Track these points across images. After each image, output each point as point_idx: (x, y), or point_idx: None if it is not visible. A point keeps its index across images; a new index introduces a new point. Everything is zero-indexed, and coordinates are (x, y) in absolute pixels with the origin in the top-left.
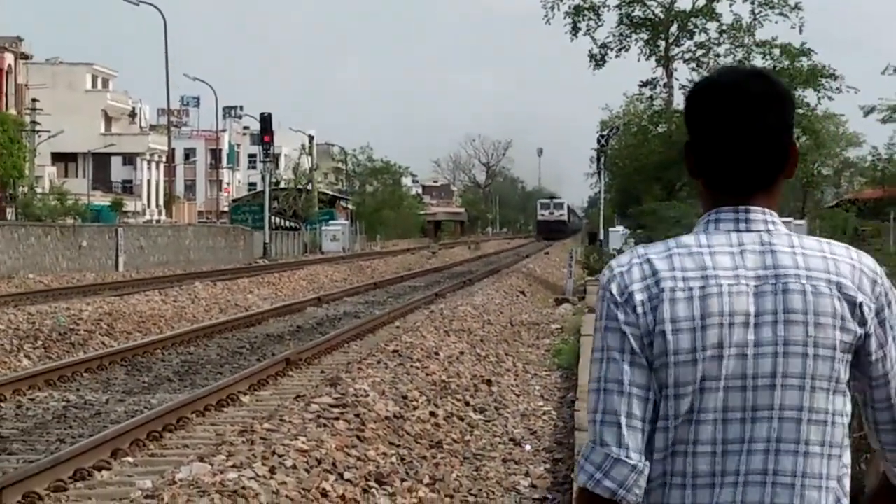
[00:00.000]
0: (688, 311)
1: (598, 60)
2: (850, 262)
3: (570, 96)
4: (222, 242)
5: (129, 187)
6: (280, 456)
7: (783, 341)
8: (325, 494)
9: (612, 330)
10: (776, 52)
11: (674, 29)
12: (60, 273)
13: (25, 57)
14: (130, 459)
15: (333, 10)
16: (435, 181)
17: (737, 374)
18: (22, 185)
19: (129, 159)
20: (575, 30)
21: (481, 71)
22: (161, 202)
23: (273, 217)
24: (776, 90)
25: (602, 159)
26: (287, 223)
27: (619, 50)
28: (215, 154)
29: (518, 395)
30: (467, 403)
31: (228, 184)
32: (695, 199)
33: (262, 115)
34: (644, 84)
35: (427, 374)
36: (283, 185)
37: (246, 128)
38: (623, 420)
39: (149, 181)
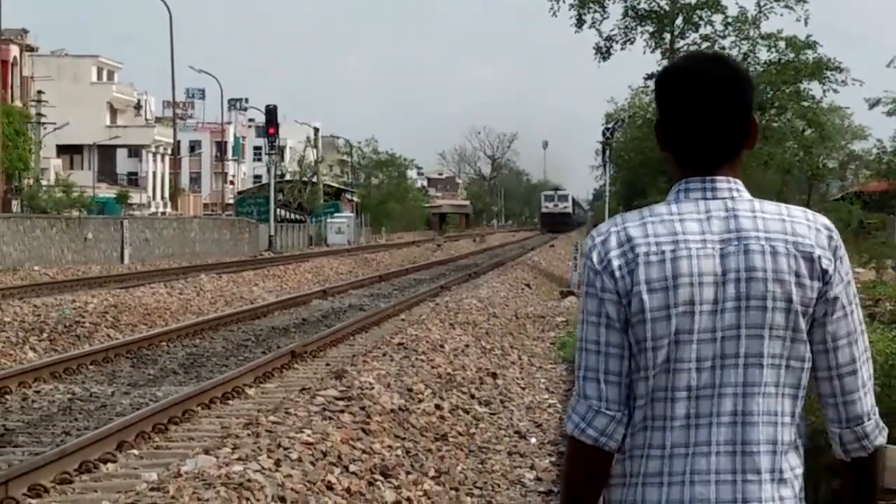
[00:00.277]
0: (660, 272)
1: (604, 53)
2: (806, 223)
3: (576, 89)
4: (227, 235)
5: (134, 180)
6: (285, 448)
7: (745, 296)
8: (330, 487)
9: (591, 295)
10: (781, 44)
11: (679, 21)
12: (66, 265)
13: (31, 49)
14: (136, 452)
15: (338, 2)
16: (440, 174)
17: (708, 328)
18: (27, 178)
19: (135, 151)
20: (580, 22)
21: (487, 63)
22: (166, 194)
23: (278, 209)
24: (735, 72)
25: (607, 152)
26: (292, 216)
27: (625, 42)
28: (220, 146)
29: (523, 388)
30: (472, 396)
31: (233, 176)
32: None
33: (267, 107)
34: (649, 76)
35: (432, 367)
36: (288, 177)
37: (251, 120)
38: (601, 376)
39: (154, 173)
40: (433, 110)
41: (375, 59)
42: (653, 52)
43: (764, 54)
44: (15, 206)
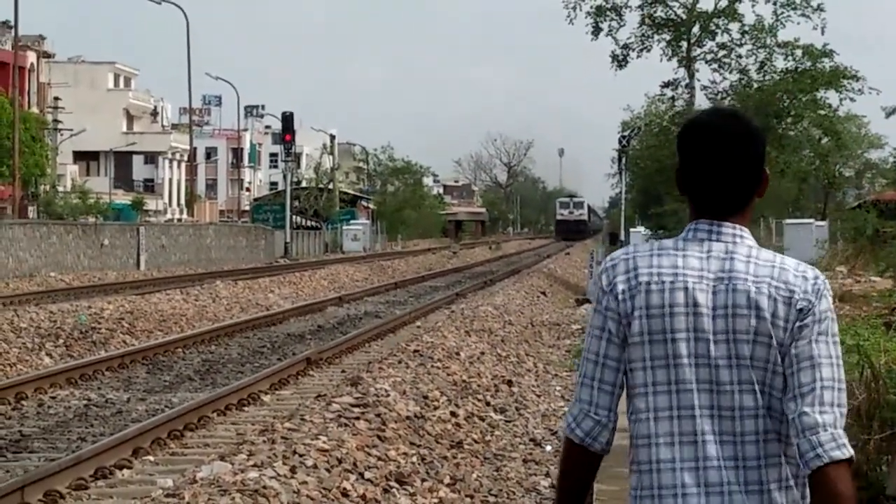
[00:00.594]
0: (659, 300)
1: (620, 61)
2: (794, 271)
3: (592, 96)
4: (243, 242)
5: (150, 186)
6: (301, 455)
7: (732, 330)
8: (345, 494)
9: (598, 312)
10: (798, 52)
11: (696, 30)
12: (82, 271)
13: (48, 55)
14: (151, 458)
15: (354, 9)
16: (456, 181)
17: (703, 354)
18: (44, 184)
19: (151, 158)
20: (597, 30)
21: (503, 70)
22: (182, 201)
23: (294, 216)
24: (748, 129)
25: (623, 160)
26: (308, 223)
27: (641, 50)
28: (237, 153)
29: (539, 396)
30: (488, 403)
31: (250, 183)
32: None
33: (283, 114)
34: (666, 85)
35: (448, 374)
36: (304, 184)
37: (267, 127)
38: (596, 384)
39: (170, 180)
40: (449, 118)
41: (392, 65)
42: (669, 60)
43: (781, 62)
44: (31, 212)
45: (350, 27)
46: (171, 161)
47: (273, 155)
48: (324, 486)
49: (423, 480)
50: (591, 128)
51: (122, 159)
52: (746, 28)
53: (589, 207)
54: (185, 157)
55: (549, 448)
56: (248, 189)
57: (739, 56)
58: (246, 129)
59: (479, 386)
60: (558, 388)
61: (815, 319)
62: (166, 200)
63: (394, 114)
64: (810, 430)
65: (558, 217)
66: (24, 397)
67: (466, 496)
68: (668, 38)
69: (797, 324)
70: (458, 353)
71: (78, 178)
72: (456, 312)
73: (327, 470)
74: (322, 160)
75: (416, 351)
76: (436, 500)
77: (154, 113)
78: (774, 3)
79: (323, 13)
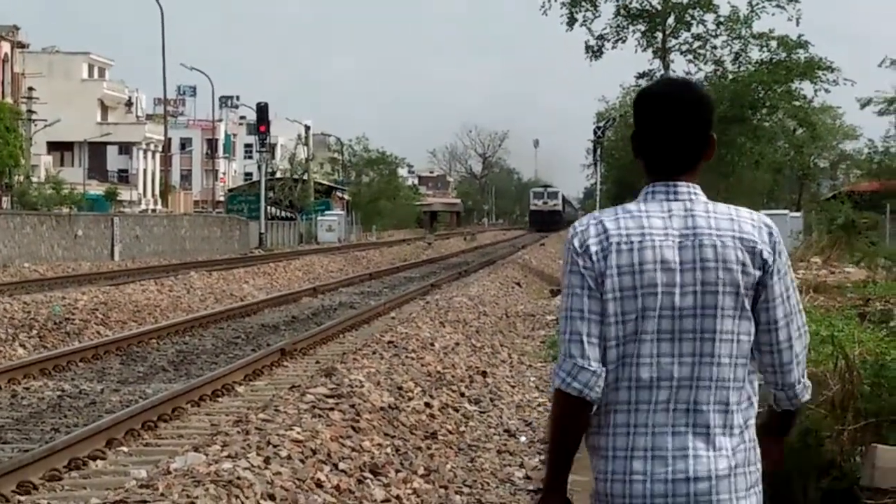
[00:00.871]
0: (629, 259)
1: (595, 52)
2: (751, 221)
3: (567, 87)
4: (218, 232)
5: (124, 177)
6: (275, 446)
7: (700, 282)
8: (319, 485)
9: (574, 272)
10: (773, 43)
11: (671, 20)
12: (56, 262)
13: (22, 46)
14: (125, 449)
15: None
16: (431, 172)
17: (667, 306)
18: (18, 174)
19: (125, 149)
20: (571, 21)
21: (478, 62)
22: (157, 192)
23: (269, 207)
24: (699, 96)
25: (598, 151)
26: (283, 213)
27: (616, 41)
28: (211, 144)
29: (513, 387)
30: (462, 394)
31: (224, 174)
32: None
33: (258, 104)
34: (641, 75)
35: (422, 365)
36: (278, 175)
37: (242, 118)
38: (584, 338)
39: (145, 171)
40: (424, 109)
41: (366, 57)
42: (644, 50)
43: (756, 53)
44: (5, 202)
45: (325, 18)
46: (145, 152)
47: (248, 145)
48: (298, 476)
49: (398, 471)
50: (566, 119)
51: (97, 150)
52: (721, 19)
53: (563, 198)
54: (160, 148)
55: (523, 439)
56: (222, 180)
57: (714, 47)
58: (221, 120)
59: (453, 377)
60: (533, 378)
61: (781, 274)
62: (141, 191)
63: (368, 105)
64: (789, 387)
65: (532, 207)
66: None
67: (441, 487)
68: (643, 28)
69: (767, 280)
70: (432, 344)
71: (52, 168)
72: (430, 303)
73: (301, 461)
74: (297, 151)
75: (390, 342)
76: (410, 491)
77: (128, 103)
78: None
79: (298, 3)
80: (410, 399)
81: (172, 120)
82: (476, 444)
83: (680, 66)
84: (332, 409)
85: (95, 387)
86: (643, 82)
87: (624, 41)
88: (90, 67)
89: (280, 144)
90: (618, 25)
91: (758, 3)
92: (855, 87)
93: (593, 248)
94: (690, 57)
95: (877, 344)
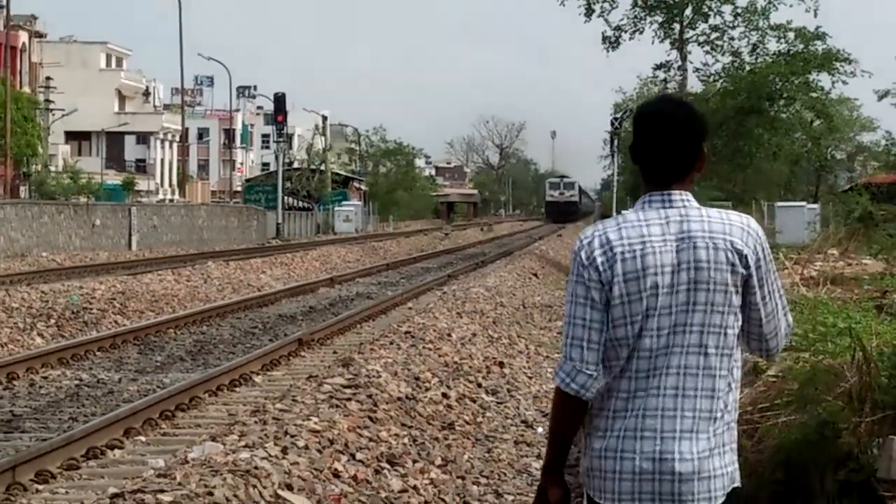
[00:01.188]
0: (633, 266)
1: (612, 43)
2: (741, 226)
3: (585, 78)
4: (235, 222)
5: (142, 166)
6: (292, 436)
7: (694, 280)
8: (337, 475)
9: (580, 283)
10: (791, 35)
11: (688, 11)
12: (73, 252)
13: (40, 35)
14: (143, 438)
15: None
16: (448, 162)
17: (666, 305)
18: (35, 164)
19: (143, 138)
20: (589, 12)
21: (496, 52)
22: (174, 182)
23: (286, 197)
24: (690, 115)
25: (615, 142)
26: (300, 203)
27: (633, 32)
28: (229, 134)
29: (530, 378)
30: (479, 385)
31: (241, 164)
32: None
33: (275, 95)
34: (658, 67)
35: (439, 356)
36: (296, 165)
37: (259, 108)
38: (585, 344)
39: (162, 160)
40: (442, 99)
41: (384, 47)
42: (662, 42)
43: (773, 45)
44: (23, 192)
45: (343, 8)
46: (162, 141)
47: (265, 136)
48: (315, 466)
49: (415, 461)
50: (583, 110)
51: (114, 139)
52: (739, 10)
53: (580, 188)
54: (177, 138)
55: (540, 430)
56: (240, 170)
57: (732, 38)
58: (238, 110)
59: (470, 367)
60: (550, 370)
61: (764, 269)
62: (158, 181)
63: (386, 95)
64: (769, 353)
65: (548, 198)
66: (15, 377)
67: (458, 477)
68: (660, 19)
69: (752, 276)
70: (449, 335)
71: (70, 158)
72: (448, 294)
73: (319, 451)
74: (314, 141)
75: (407, 332)
76: (427, 481)
77: (146, 93)
78: None
79: None
80: (427, 389)
81: (190, 110)
82: (493, 434)
83: (697, 57)
84: (349, 399)
85: (113, 376)
86: (661, 73)
87: (641, 32)
88: (108, 57)
89: (297, 135)
90: (635, 16)
91: None
92: (872, 79)
93: (599, 260)
94: (708, 48)
95: (894, 336)
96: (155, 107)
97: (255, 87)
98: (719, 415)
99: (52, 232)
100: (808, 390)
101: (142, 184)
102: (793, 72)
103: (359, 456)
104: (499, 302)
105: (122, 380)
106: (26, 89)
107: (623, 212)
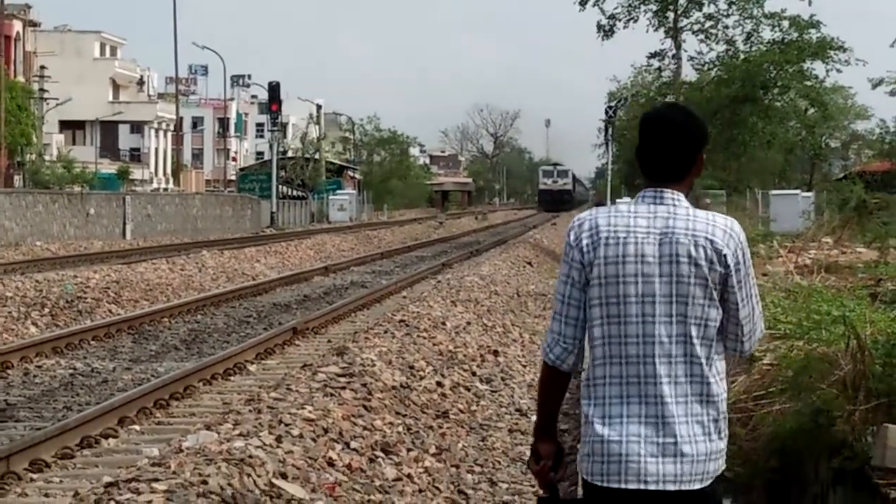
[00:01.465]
0: (615, 251)
1: (607, 31)
2: (723, 228)
3: (580, 67)
4: (229, 211)
5: (136, 155)
6: (287, 425)
7: (676, 274)
8: (331, 463)
9: (566, 262)
10: (785, 23)
11: (682, 0)
12: (68, 241)
13: (34, 24)
14: (137, 427)
15: None
16: (442, 151)
17: (648, 293)
18: (30, 153)
19: (137, 127)
20: (584, 0)
21: (490, 40)
22: (168, 170)
23: (280, 186)
24: (688, 120)
25: (610, 130)
26: (294, 192)
27: (628, 21)
28: (223, 123)
29: (524, 366)
30: (474, 373)
31: (236, 153)
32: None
33: (269, 84)
34: (652, 55)
35: (434, 344)
36: (290, 154)
37: (254, 97)
38: (563, 319)
39: (156, 149)
40: (436, 88)
41: (379, 36)
42: (656, 30)
43: (767, 33)
44: (17, 181)
45: None
46: (157, 130)
47: (259, 125)
48: (309, 455)
49: (409, 450)
50: (578, 98)
51: (108, 129)
52: None
53: (574, 177)
54: (172, 127)
55: (534, 418)
56: (234, 159)
57: (726, 27)
58: (232, 99)
59: (464, 356)
60: None
61: (742, 273)
62: (152, 170)
63: (380, 84)
64: (743, 354)
65: (541, 186)
66: (9, 366)
67: (452, 466)
68: (654, 8)
69: (730, 276)
70: (443, 323)
71: (64, 147)
72: (442, 282)
73: (313, 439)
74: (308, 130)
75: (402, 321)
76: (421, 470)
77: (140, 82)
78: None
79: None
80: (422, 378)
81: (184, 99)
82: (487, 423)
83: (692, 46)
84: (343, 387)
85: (107, 365)
86: (655, 62)
87: (636, 21)
88: (102, 46)
89: (292, 123)
90: (629, 5)
91: None
92: (867, 67)
93: (584, 242)
94: (702, 37)
95: (888, 324)
96: (149, 96)
97: (249, 76)
98: (705, 402)
99: (47, 221)
100: (802, 378)
101: (136, 173)
102: (787, 60)
103: (353, 444)
104: (493, 290)
105: (117, 369)
106: (20, 78)
107: (618, 201)
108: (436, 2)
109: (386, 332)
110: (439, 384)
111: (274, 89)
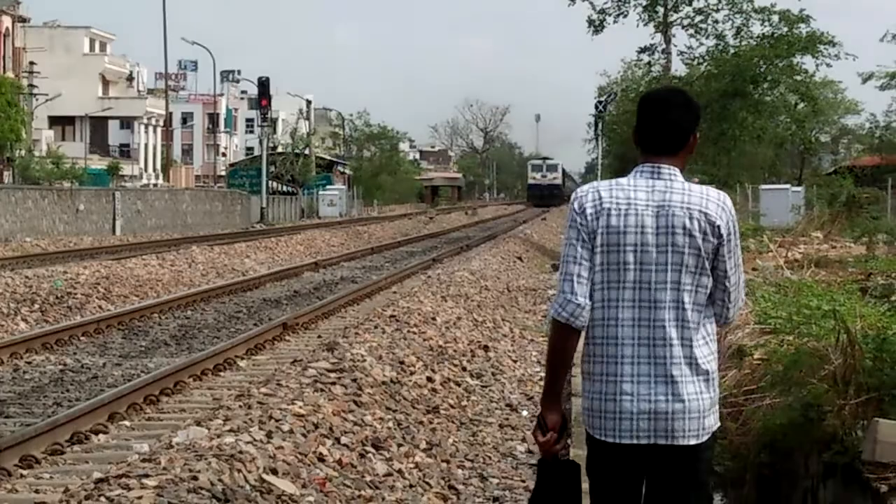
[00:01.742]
0: (616, 221)
1: (597, 26)
2: (716, 201)
3: (570, 62)
4: (219, 207)
5: (126, 151)
6: (277, 420)
7: (671, 243)
8: (321, 459)
9: (573, 227)
10: (775, 18)
11: None
12: (57, 237)
13: (23, 20)
14: (128, 423)
15: None
16: (432, 146)
17: (647, 262)
18: (19, 149)
19: (127, 123)
20: None
21: (480, 36)
22: (158, 166)
23: (270, 182)
24: (685, 101)
25: (600, 125)
26: (284, 188)
27: (618, 16)
28: (213, 118)
29: (515, 361)
30: (464, 369)
31: (225, 148)
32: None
33: (259, 79)
34: (642, 50)
35: (424, 340)
36: (280, 149)
37: (244, 92)
38: (575, 278)
39: (146, 145)
40: (426, 83)
41: (369, 31)
42: (646, 25)
43: (757, 28)
44: (7, 177)
45: None
46: (146, 126)
47: (249, 120)
48: (300, 450)
49: (400, 445)
50: (568, 94)
51: (98, 124)
52: None
53: (564, 171)
54: (161, 123)
55: (525, 413)
56: (223, 154)
57: (716, 21)
58: (222, 95)
59: (455, 351)
60: (534, 353)
61: (732, 243)
62: (142, 166)
63: (370, 80)
64: (727, 321)
65: (530, 181)
66: None
67: (442, 461)
68: (644, 3)
69: (722, 246)
70: (434, 319)
71: (53, 143)
72: (432, 278)
73: (303, 435)
74: (298, 125)
75: (392, 316)
76: (412, 465)
77: (130, 78)
78: None
79: None
80: (412, 373)
81: (174, 94)
82: (478, 418)
83: (682, 41)
84: (333, 383)
85: (97, 361)
86: (645, 57)
87: (625, 15)
88: (91, 42)
89: (281, 119)
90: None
91: None
92: (857, 62)
93: (589, 211)
94: (692, 31)
95: (878, 318)
96: (139, 91)
97: (238, 72)
98: (700, 362)
99: (36, 217)
100: (792, 373)
101: (126, 169)
102: (777, 55)
103: (343, 440)
104: (483, 286)
105: (107, 365)
106: (10, 74)
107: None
108: None
109: (376, 327)
110: (430, 379)
111: (264, 85)
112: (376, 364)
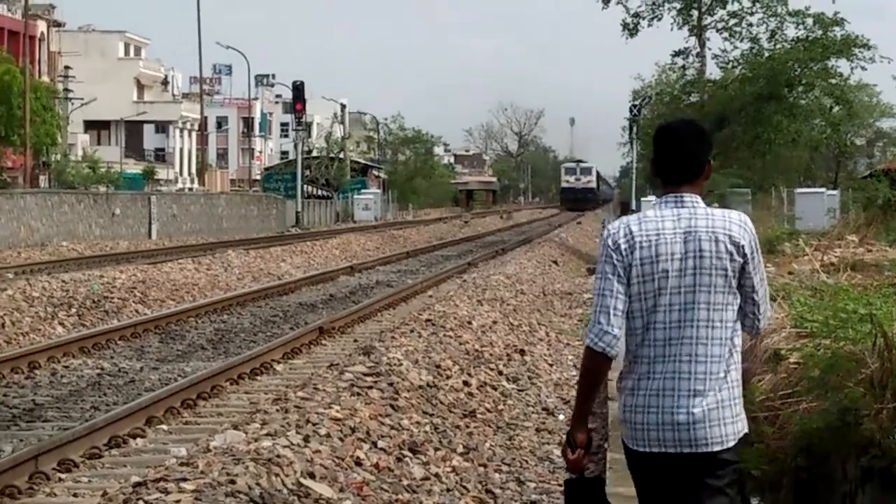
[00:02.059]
0: (648, 252)
1: (631, 29)
2: (738, 222)
3: (604, 66)
4: (255, 211)
5: (161, 155)
6: (314, 424)
7: (699, 266)
8: (359, 463)
9: (608, 262)
10: (809, 21)
11: None
12: (93, 241)
13: (58, 24)
14: (165, 427)
15: None
16: (467, 150)
17: (676, 286)
18: (55, 153)
19: (162, 127)
20: None
21: (515, 39)
22: (193, 170)
23: (305, 186)
24: (698, 131)
25: (634, 129)
26: (319, 192)
27: (652, 19)
28: (247, 122)
29: (551, 365)
30: (500, 373)
31: (260, 152)
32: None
33: (294, 83)
34: (677, 54)
35: (460, 344)
36: (315, 153)
37: (278, 96)
38: (611, 311)
39: (181, 149)
40: (461, 87)
41: (404, 35)
42: (680, 28)
43: (791, 31)
44: (43, 181)
45: None
46: (181, 130)
47: (284, 124)
48: (337, 454)
49: (437, 449)
50: (602, 97)
51: (133, 129)
52: None
53: (598, 174)
54: (196, 127)
55: (561, 417)
56: (258, 158)
57: (750, 25)
58: (256, 99)
59: (491, 355)
60: (570, 357)
61: (756, 260)
62: (177, 170)
63: (405, 83)
64: (756, 331)
65: (563, 184)
66: (37, 366)
67: (479, 465)
68: (678, 6)
69: (747, 265)
70: (470, 323)
71: (89, 147)
72: (468, 282)
73: (340, 439)
74: (333, 129)
75: (428, 320)
76: (449, 469)
77: (164, 82)
78: None
79: None
80: (449, 377)
81: (208, 99)
82: (514, 422)
83: (716, 44)
84: (370, 387)
85: (135, 365)
86: (679, 60)
87: (660, 19)
88: (126, 46)
89: (316, 123)
90: (653, 3)
91: None
92: (892, 65)
93: (623, 246)
94: (726, 34)
95: None
96: (173, 96)
97: (273, 76)
98: (724, 375)
99: (72, 221)
100: (829, 377)
101: (161, 173)
102: (811, 58)
103: (380, 444)
104: (519, 289)
105: (144, 368)
106: (45, 79)
107: (643, 200)
108: (461, 1)
109: (412, 331)
110: (466, 383)
111: (298, 89)
112: (412, 368)
